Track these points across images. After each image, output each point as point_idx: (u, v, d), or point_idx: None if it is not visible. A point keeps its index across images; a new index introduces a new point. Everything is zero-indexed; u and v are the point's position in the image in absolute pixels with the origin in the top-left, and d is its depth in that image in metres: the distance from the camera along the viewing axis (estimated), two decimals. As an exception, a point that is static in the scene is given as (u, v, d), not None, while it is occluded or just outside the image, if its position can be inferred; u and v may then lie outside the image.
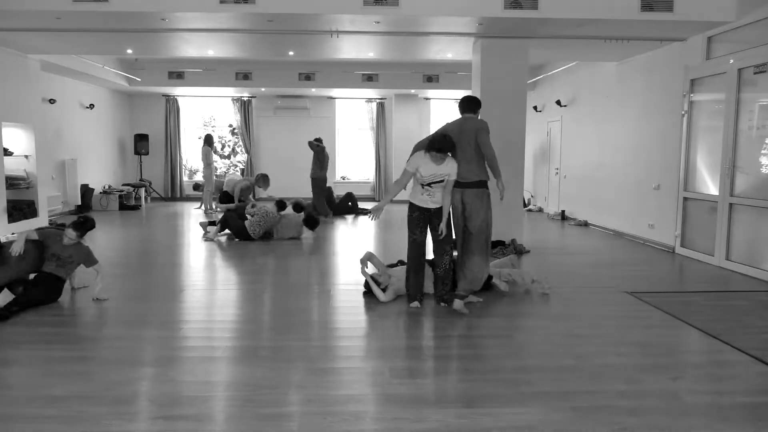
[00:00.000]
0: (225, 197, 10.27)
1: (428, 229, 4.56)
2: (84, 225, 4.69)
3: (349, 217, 10.91)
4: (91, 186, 11.66)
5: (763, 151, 5.79)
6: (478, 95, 7.01)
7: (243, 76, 12.23)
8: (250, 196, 10.58)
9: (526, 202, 12.02)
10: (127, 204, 11.96)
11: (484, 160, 4.51)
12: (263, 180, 9.31)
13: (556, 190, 11.22)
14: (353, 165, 14.87)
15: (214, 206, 11.62)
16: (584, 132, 9.99)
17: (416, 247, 4.54)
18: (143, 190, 12.81)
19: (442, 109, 14.40)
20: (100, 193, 11.79)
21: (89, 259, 4.74)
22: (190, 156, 14.62)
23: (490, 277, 5.02)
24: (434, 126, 14.19)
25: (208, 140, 11.70)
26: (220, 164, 14.63)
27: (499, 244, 6.91)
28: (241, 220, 7.92)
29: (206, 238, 8.03)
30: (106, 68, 10.79)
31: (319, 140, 10.56)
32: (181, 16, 6.12)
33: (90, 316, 4.35)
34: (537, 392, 2.93)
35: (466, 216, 4.50)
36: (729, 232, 6.17)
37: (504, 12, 5.92)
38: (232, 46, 8.15)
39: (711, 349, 3.70)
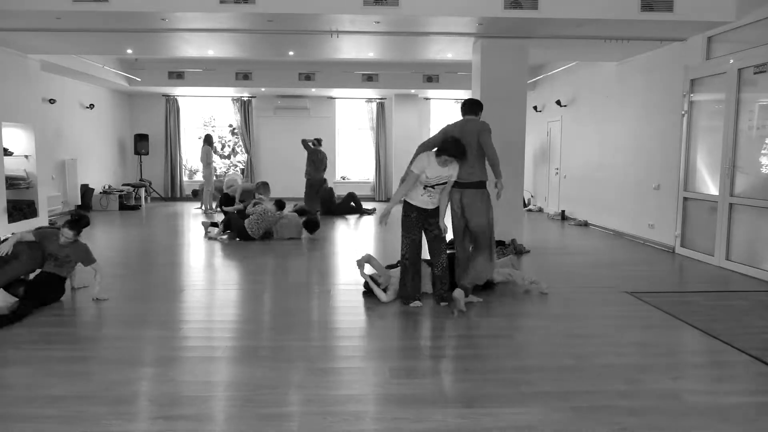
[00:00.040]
0: (225, 199, 10.26)
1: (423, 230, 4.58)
2: (79, 222, 4.65)
3: (351, 218, 10.90)
4: (91, 186, 11.67)
5: (763, 151, 5.79)
6: (478, 95, 7.03)
7: (243, 76, 12.24)
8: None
9: (526, 202, 12.02)
10: (127, 204, 11.96)
11: (484, 161, 4.58)
12: (264, 187, 9.39)
13: (556, 190, 11.22)
14: (353, 165, 14.87)
15: (214, 206, 11.63)
16: (584, 132, 9.99)
17: (415, 247, 4.55)
18: (143, 190, 12.81)
19: (442, 109, 14.41)
20: (100, 193, 11.79)
21: (87, 258, 4.72)
22: (190, 156, 14.62)
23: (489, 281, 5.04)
24: (434, 126, 14.20)
25: (208, 140, 11.72)
26: (219, 164, 14.64)
27: (499, 244, 6.91)
28: (243, 219, 7.95)
29: (209, 237, 8.11)
30: (106, 68, 10.80)
31: (318, 141, 10.57)
32: (181, 16, 6.12)
33: (90, 316, 4.35)
34: (537, 392, 2.93)
35: (466, 217, 4.58)
36: (729, 232, 6.17)
37: (504, 12, 5.92)
38: (232, 46, 8.15)
39: (711, 349, 3.70)
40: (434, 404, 2.79)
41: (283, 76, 12.26)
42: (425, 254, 4.68)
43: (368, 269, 5.01)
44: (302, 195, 10.59)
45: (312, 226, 7.96)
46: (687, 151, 6.95)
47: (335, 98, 14.11)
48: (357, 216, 11.06)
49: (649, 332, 3.98)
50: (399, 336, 3.97)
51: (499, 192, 4.63)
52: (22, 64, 8.37)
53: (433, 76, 12.40)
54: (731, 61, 6.09)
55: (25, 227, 5.09)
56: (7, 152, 8.08)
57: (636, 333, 3.95)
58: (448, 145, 4.33)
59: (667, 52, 7.37)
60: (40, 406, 2.73)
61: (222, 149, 14.97)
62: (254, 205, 8.18)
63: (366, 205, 11.80)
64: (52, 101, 10.21)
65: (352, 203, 11.30)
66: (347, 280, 5.50)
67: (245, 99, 13.75)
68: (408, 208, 4.51)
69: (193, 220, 10.31)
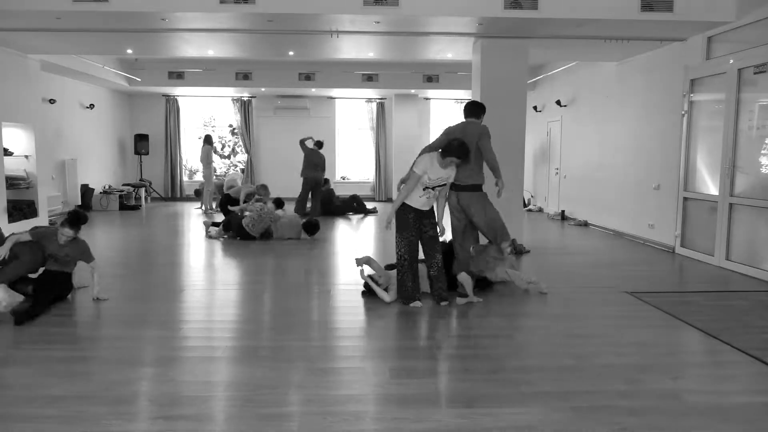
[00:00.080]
0: (227, 199, 10.22)
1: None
2: (77, 220, 4.59)
3: (354, 217, 10.90)
4: (91, 186, 11.67)
5: (763, 151, 5.79)
6: (478, 95, 7.02)
7: (243, 76, 12.24)
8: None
9: (526, 202, 12.01)
10: (127, 204, 11.96)
11: (482, 164, 4.64)
12: (263, 189, 9.46)
13: (556, 190, 11.22)
14: (353, 165, 14.88)
15: (213, 206, 11.63)
16: (584, 132, 9.99)
17: (413, 247, 4.55)
18: (143, 190, 12.81)
19: (442, 109, 14.40)
20: (100, 193, 11.79)
21: (87, 255, 4.69)
22: (190, 156, 14.62)
23: (488, 281, 5.06)
24: (434, 126, 14.21)
25: (208, 140, 11.74)
26: (219, 164, 14.64)
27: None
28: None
29: (209, 236, 8.16)
30: (106, 68, 10.80)
31: (319, 144, 10.65)
32: (181, 16, 6.12)
33: (90, 316, 4.35)
34: (537, 392, 2.93)
35: (468, 216, 4.63)
36: (729, 232, 6.17)
37: (504, 12, 5.91)
38: (232, 46, 8.15)
39: (711, 349, 3.70)
40: (434, 404, 2.79)
41: (283, 76, 12.26)
42: (420, 254, 4.69)
43: (367, 270, 5.01)
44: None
45: (311, 228, 7.95)
46: (687, 151, 6.95)
47: (335, 98, 14.11)
48: (361, 216, 11.04)
49: (649, 332, 3.98)
50: (399, 336, 3.97)
51: (500, 191, 4.71)
52: (22, 64, 8.37)
53: (433, 76, 12.40)
54: (731, 61, 6.09)
55: (25, 227, 5.08)
56: (7, 152, 8.08)
57: (636, 333, 3.95)
58: (454, 147, 4.34)
59: (667, 52, 7.37)
60: (40, 406, 2.73)
61: (222, 149, 14.97)
62: (253, 203, 8.22)
63: (368, 205, 11.81)
64: (52, 101, 10.21)
65: (355, 204, 11.29)
66: (347, 280, 5.50)
67: (245, 99, 13.75)
68: (406, 209, 4.51)
69: (193, 220, 10.31)
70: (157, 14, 5.99)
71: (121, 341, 3.71)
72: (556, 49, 7.98)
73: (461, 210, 4.66)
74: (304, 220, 8.05)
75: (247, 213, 8.05)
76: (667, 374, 3.19)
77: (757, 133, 5.83)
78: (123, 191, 12.08)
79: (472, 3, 5.94)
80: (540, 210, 11.93)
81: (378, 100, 14.07)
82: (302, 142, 10.56)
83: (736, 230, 6.12)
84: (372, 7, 5.84)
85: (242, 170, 14.19)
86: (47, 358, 3.39)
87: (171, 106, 13.82)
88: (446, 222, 4.77)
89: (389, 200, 13.92)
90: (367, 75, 12.33)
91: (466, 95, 13.27)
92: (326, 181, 11.12)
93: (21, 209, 8.30)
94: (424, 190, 4.42)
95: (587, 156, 9.85)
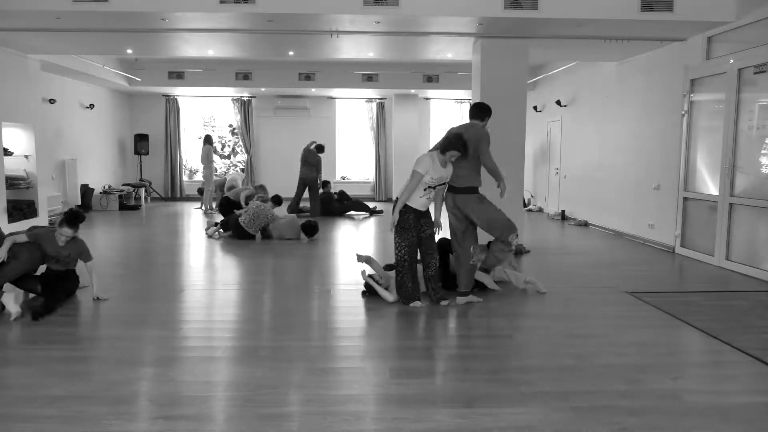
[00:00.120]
0: (226, 201, 10.18)
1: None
2: (76, 219, 4.59)
3: (358, 216, 10.88)
4: (91, 186, 11.66)
5: (763, 151, 5.79)
6: (478, 95, 7.02)
7: (243, 76, 12.23)
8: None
9: (526, 202, 12.01)
10: (127, 204, 11.96)
11: (479, 168, 4.64)
12: (262, 189, 9.49)
13: (556, 190, 11.22)
14: (353, 165, 14.87)
15: (213, 206, 11.63)
16: (584, 132, 9.99)
17: (413, 249, 4.55)
18: (143, 190, 12.81)
19: (442, 109, 14.40)
20: (100, 193, 11.79)
21: (87, 255, 4.70)
22: (190, 156, 14.62)
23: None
24: (434, 126, 14.22)
25: (209, 140, 11.75)
26: (219, 164, 14.64)
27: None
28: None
29: (208, 234, 8.24)
30: (106, 68, 10.79)
31: (319, 148, 10.70)
32: (181, 16, 6.12)
33: (90, 316, 4.35)
34: (537, 392, 2.93)
35: (468, 219, 4.63)
36: (729, 232, 6.17)
37: (504, 12, 5.91)
38: (232, 46, 8.15)
39: (711, 349, 3.70)
40: (434, 404, 2.79)
41: (283, 76, 12.26)
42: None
43: (368, 270, 5.01)
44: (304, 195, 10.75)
45: (310, 230, 7.95)
46: (687, 151, 6.95)
47: (335, 98, 14.11)
48: (366, 216, 11.01)
49: (649, 332, 3.98)
50: (399, 336, 3.98)
51: (502, 192, 4.73)
52: (22, 64, 8.36)
53: (433, 76, 12.40)
54: (731, 61, 6.09)
55: (25, 227, 5.08)
56: (7, 152, 8.08)
57: (636, 333, 3.95)
58: (452, 140, 4.37)
59: (667, 52, 7.37)
60: (40, 406, 2.73)
61: (222, 149, 14.97)
62: (255, 199, 8.29)
63: (369, 204, 11.81)
64: (52, 101, 10.21)
65: (345, 201, 11.25)
66: (347, 280, 5.50)
67: (245, 99, 13.75)
68: (406, 209, 4.51)
69: (193, 220, 10.30)
70: (157, 14, 5.99)
71: (121, 341, 3.71)
72: (556, 49, 7.98)
73: (459, 211, 4.65)
74: (303, 221, 8.06)
75: (242, 210, 8.14)
76: (667, 374, 3.19)
77: (757, 133, 5.83)
78: (123, 191, 12.08)
79: (472, 3, 5.93)
80: (540, 210, 11.93)
81: (378, 100, 14.06)
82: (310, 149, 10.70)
83: (736, 230, 6.12)
84: (372, 7, 5.84)
85: (242, 170, 14.18)
86: (47, 358, 3.39)
87: (171, 106, 13.82)
88: (444, 221, 4.77)
89: (389, 200, 13.93)
90: (367, 75, 12.33)
91: (466, 95, 13.30)
92: (326, 183, 11.14)
93: (21, 209, 8.29)
94: (424, 190, 4.43)
95: (587, 156, 9.85)
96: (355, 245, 7.60)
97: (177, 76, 12.15)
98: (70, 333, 3.94)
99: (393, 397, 2.87)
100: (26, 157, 8.58)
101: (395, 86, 12.60)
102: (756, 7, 5.74)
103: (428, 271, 4.63)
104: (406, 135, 13.62)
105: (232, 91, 13.27)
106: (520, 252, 6.93)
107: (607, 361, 3.38)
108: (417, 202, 4.47)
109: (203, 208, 11.72)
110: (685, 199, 6.98)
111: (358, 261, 5.04)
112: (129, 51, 8.78)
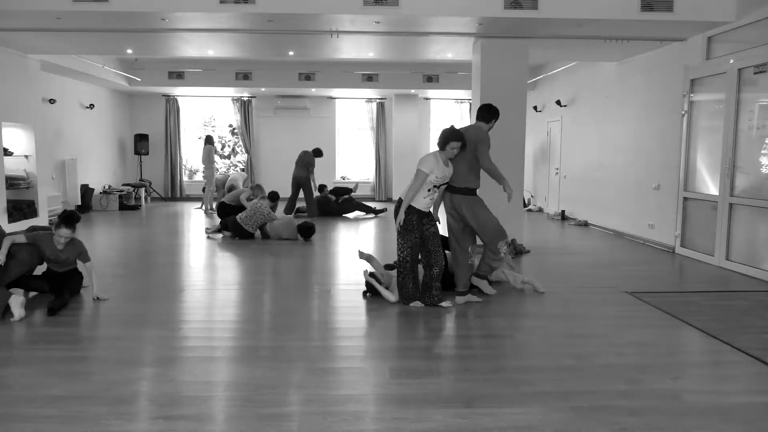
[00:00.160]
0: (224, 206, 10.08)
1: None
2: (72, 218, 4.57)
3: (362, 216, 10.88)
4: (91, 186, 11.66)
5: (763, 151, 5.79)
6: (478, 95, 7.02)
7: (243, 76, 12.23)
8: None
9: (526, 202, 12.02)
10: (127, 204, 11.96)
11: (479, 169, 4.64)
12: (259, 189, 9.51)
13: (556, 190, 11.22)
14: (353, 165, 14.87)
15: (214, 206, 11.62)
16: (584, 132, 9.99)
17: (416, 250, 4.54)
18: (143, 190, 12.81)
19: (442, 109, 14.40)
20: (100, 193, 11.79)
21: (85, 255, 4.71)
22: (190, 156, 14.62)
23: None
24: (434, 126, 14.23)
25: (210, 140, 11.75)
26: (219, 164, 14.63)
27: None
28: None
29: (208, 234, 8.29)
30: (106, 68, 10.80)
31: (316, 152, 10.79)
32: (181, 16, 6.12)
33: (90, 316, 4.35)
34: (537, 392, 2.93)
35: (464, 221, 4.63)
36: (729, 232, 6.17)
37: (504, 12, 5.91)
38: (232, 46, 8.15)
39: (711, 349, 3.70)
40: (434, 404, 2.79)
41: (283, 76, 12.26)
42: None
43: (368, 268, 5.01)
44: (300, 194, 10.76)
45: (307, 231, 7.96)
46: (687, 151, 6.95)
47: (335, 98, 14.10)
48: (371, 216, 10.99)
49: (649, 332, 3.98)
50: (399, 336, 3.97)
51: (509, 196, 4.71)
52: (22, 64, 8.37)
53: (433, 76, 12.40)
54: (731, 61, 6.09)
55: (25, 227, 5.08)
56: (7, 152, 8.08)
57: (636, 333, 3.95)
58: (450, 132, 4.38)
59: (667, 52, 7.37)
60: (40, 406, 2.73)
61: (222, 149, 14.96)
62: (253, 198, 8.32)
63: (369, 204, 11.81)
64: (52, 101, 10.20)
65: (334, 198, 11.22)
66: (347, 280, 5.50)
67: (245, 99, 13.75)
68: (410, 210, 4.50)
69: (193, 220, 10.30)
70: (157, 14, 5.99)
71: (121, 341, 3.71)
72: (556, 49, 7.98)
73: (456, 211, 4.66)
74: (300, 222, 8.06)
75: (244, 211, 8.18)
76: (667, 374, 3.19)
77: (757, 133, 5.83)
78: (123, 191, 12.08)
79: (472, 3, 5.94)
80: (540, 210, 11.93)
81: (378, 100, 14.06)
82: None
83: (736, 230, 6.12)
84: (372, 7, 5.84)
85: (242, 170, 14.18)
86: (47, 358, 3.39)
87: (171, 106, 13.82)
88: (441, 217, 4.77)
89: (389, 200, 13.93)
90: (367, 75, 12.33)
91: (466, 95, 13.30)
92: (323, 187, 11.15)
93: (21, 209, 8.30)
94: (429, 190, 4.42)
95: (587, 156, 9.85)
96: (355, 245, 7.60)
97: (177, 76, 12.15)
98: (70, 333, 3.94)
99: (393, 397, 2.87)
100: (26, 157, 8.58)
101: (395, 86, 12.60)
102: (756, 7, 5.75)
103: (435, 269, 4.53)
104: (406, 135, 13.62)
105: (232, 91, 13.27)
106: (520, 252, 6.93)
107: (607, 361, 3.38)
108: (421, 202, 4.46)
109: (203, 208, 11.71)
110: (685, 199, 6.98)
111: (360, 258, 5.05)
112: (129, 51, 8.78)
